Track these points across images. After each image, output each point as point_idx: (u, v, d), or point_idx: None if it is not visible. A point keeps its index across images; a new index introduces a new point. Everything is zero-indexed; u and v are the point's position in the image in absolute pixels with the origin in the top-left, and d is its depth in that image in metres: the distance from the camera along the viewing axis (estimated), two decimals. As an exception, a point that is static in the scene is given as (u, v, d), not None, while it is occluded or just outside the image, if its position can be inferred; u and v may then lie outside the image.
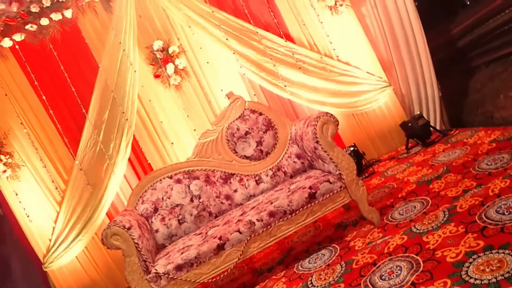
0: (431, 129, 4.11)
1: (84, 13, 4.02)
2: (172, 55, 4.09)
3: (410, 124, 4.15)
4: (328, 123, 2.89)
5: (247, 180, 3.41)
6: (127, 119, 3.93)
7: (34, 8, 3.82)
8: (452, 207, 2.56)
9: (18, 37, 3.83)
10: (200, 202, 3.33)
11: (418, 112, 4.24)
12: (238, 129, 3.47)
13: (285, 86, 4.24)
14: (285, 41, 4.26)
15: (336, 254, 2.77)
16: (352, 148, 4.13)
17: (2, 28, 3.78)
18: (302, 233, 3.41)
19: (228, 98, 3.56)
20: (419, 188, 3.12)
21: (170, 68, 4.07)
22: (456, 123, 4.24)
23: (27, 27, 3.83)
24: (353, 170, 2.85)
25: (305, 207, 2.79)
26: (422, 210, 2.74)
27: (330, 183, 2.82)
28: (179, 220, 3.27)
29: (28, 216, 3.78)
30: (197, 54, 4.23)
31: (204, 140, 3.49)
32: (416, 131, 4.09)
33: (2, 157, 3.71)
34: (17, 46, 3.87)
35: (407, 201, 3.00)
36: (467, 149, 3.39)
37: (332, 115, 2.92)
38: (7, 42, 3.81)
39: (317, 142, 2.89)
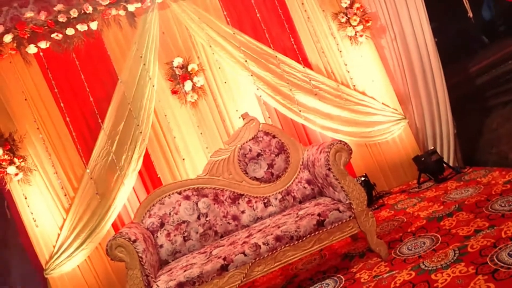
0: (444, 165, 4.07)
1: (109, 26, 4.12)
2: (191, 72, 4.15)
3: (423, 159, 4.12)
4: (342, 151, 2.89)
5: (256, 202, 3.40)
6: (141, 132, 3.98)
7: (62, 18, 3.93)
8: (463, 246, 2.51)
9: (43, 44, 3.92)
10: (207, 221, 3.31)
11: (432, 147, 4.21)
12: (250, 150, 3.48)
13: (300, 111, 4.26)
14: (303, 67, 4.31)
15: (341, 285, 2.72)
16: (363, 178, 4.10)
17: (29, 35, 3.88)
18: (307, 261, 3.36)
19: (243, 119, 3.59)
20: (429, 224, 3.07)
21: (188, 85, 4.13)
22: (469, 161, 4.19)
23: (53, 35, 3.93)
24: (363, 201, 2.82)
25: (312, 234, 2.76)
26: (431, 247, 2.69)
27: (340, 211, 2.80)
28: (184, 237, 3.25)
29: (35, 221, 3.79)
30: (215, 73, 4.29)
31: (216, 158, 3.50)
32: (429, 166, 4.05)
33: (16, 160, 3.74)
34: (41, 53, 3.97)
35: (417, 237, 2.95)
36: (480, 188, 3.35)
37: (346, 143, 2.92)
38: (32, 49, 3.91)
39: (329, 169, 2.88)
